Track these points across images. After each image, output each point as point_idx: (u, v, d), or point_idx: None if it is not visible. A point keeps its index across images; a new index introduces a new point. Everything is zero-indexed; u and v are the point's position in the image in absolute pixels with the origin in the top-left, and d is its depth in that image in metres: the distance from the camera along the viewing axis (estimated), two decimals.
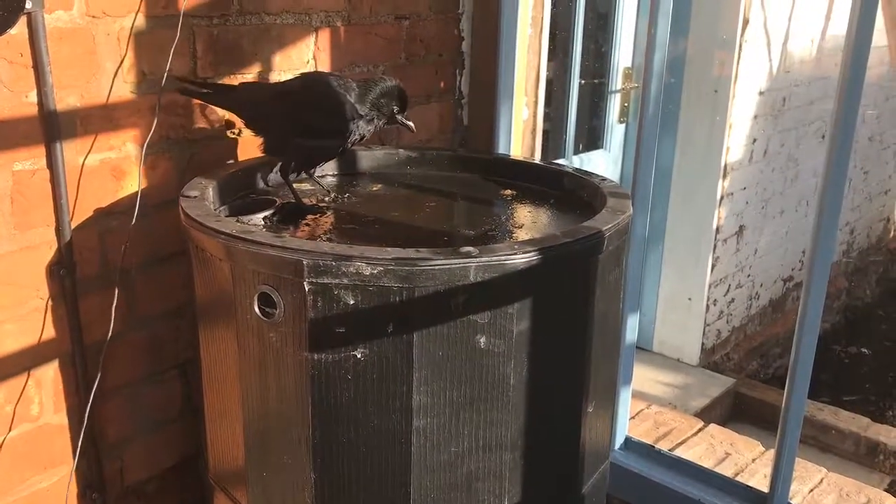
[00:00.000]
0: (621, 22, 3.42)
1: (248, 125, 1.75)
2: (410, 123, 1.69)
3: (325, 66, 1.98)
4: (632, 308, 2.11)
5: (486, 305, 1.27)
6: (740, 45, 3.38)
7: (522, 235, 1.54)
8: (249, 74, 1.83)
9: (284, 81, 1.77)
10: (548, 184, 1.81)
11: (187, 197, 1.48)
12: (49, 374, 1.63)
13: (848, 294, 5.20)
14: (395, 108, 1.67)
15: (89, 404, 1.59)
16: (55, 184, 1.54)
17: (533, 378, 1.33)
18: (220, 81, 1.77)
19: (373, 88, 1.64)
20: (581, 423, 1.48)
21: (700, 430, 2.58)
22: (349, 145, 1.66)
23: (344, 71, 2.03)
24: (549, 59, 2.83)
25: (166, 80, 1.63)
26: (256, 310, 1.30)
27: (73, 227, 1.59)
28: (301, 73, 1.81)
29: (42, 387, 1.62)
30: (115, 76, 1.60)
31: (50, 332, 1.61)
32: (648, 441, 2.31)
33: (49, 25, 1.47)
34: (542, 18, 2.64)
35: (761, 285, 4.20)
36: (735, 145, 3.56)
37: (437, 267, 1.22)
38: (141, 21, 1.61)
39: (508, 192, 1.81)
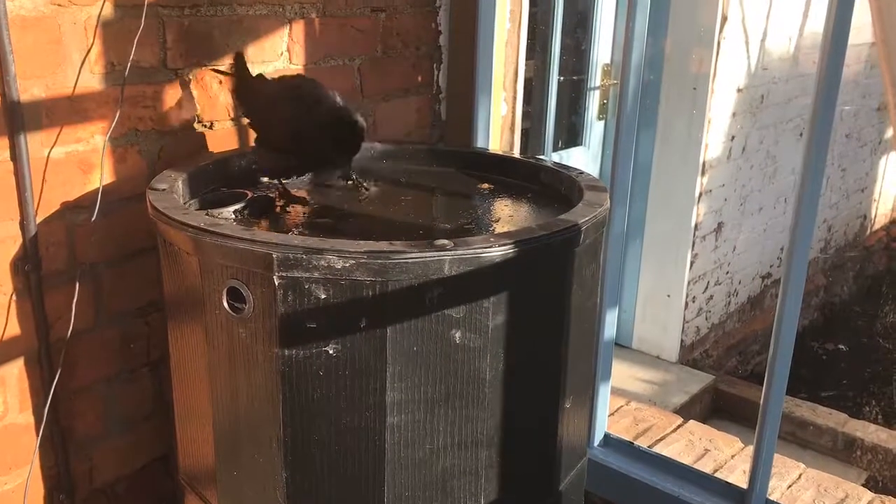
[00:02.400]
0: (600, 19, 3.41)
1: (247, 116, 1.74)
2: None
3: (299, 59, 1.95)
4: (611, 304, 2.10)
5: (461, 299, 1.24)
6: (718, 43, 3.38)
7: (499, 229, 1.52)
8: (221, 66, 1.79)
9: (288, 80, 1.70)
10: (525, 178, 1.79)
11: (155, 189, 1.45)
12: (14, 372, 1.58)
13: (826, 291, 5.23)
14: None
15: (48, 403, 1.55)
16: (19, 176, 1.50)
17: (509, 373, 1.31)
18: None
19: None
20: (558, 419, 1.46)
21: (679, 426, 2.57)
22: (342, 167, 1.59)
23: (319, 64, 2.00)
24: (528, 56, 2.81)
25: (130, 70, 1.59)
26: (225, 305, 1.27)
27: (38, 221, 1.55)
28: (302, 77, 1.72)
29: (6, 385, 1.58)
30: (81, 66, 1.56)
31: (14, 329, 1.56)
32: (628, 438, 2.29)
33: (12, 13, 1.43)
34: (521, 13, 2.62)
35: (740, 282, 4.21)
36: (714, 142, 3.57)
37: (410, 260, 1.20)
38: (108, 10, 1.57)
39: (486, 186, 1.79)
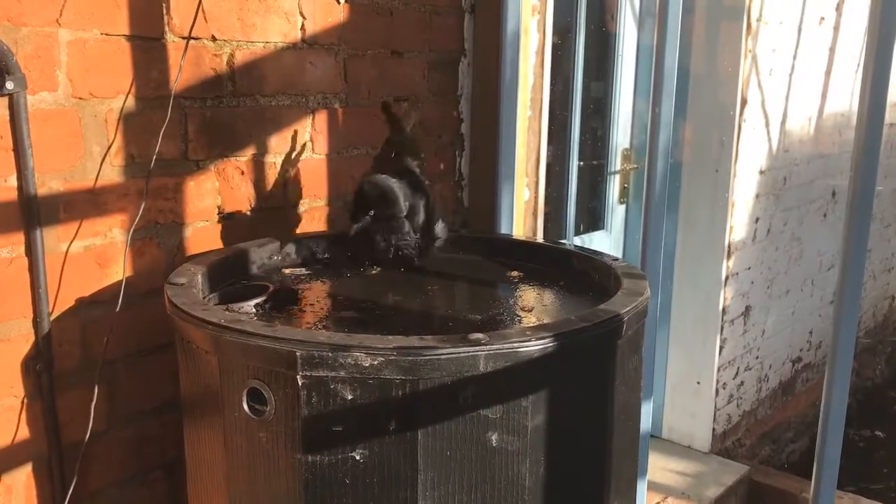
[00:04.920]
0: (618, 104, 3.41)
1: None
2: None
3: (322, 149, 1.93)
4: (646, 395, 2.00)
5: (498, 398, 1.16)
6: (739, 125, 3.36)
7: (533, 319, 1.44)
8: (243, 157, 1.76)
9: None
10: (555, 264, 1.73)
11: (174, 284, 1.39)
12: (21, 479, 1.50)
13: (857, 375, 5.07)
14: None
15: None
16: (34, 272, 1.45)
17: (550, 478, 1.21)
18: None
19: None
20: None
21: None
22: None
23: (342, 153, 1.98)
24: (548, 142, 2.80)
25: (154, 163, 1.56)
26: (245, 407, 1.19)
27: (52, 318, 1.49)
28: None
29: (13, 493, 1.49)
30: (102, 159, 1.53)
31: (24, 433, 1.49)
32: None
33: (32, 107, 1.41)
34: (542, 100, 2.61)
35: (770, 367, 4.08)
36: (738, 224, 3.51)
37: (443, 356, 1.12)
38: (131, 103, 1.56)
39: (514, 273, 1.72)
